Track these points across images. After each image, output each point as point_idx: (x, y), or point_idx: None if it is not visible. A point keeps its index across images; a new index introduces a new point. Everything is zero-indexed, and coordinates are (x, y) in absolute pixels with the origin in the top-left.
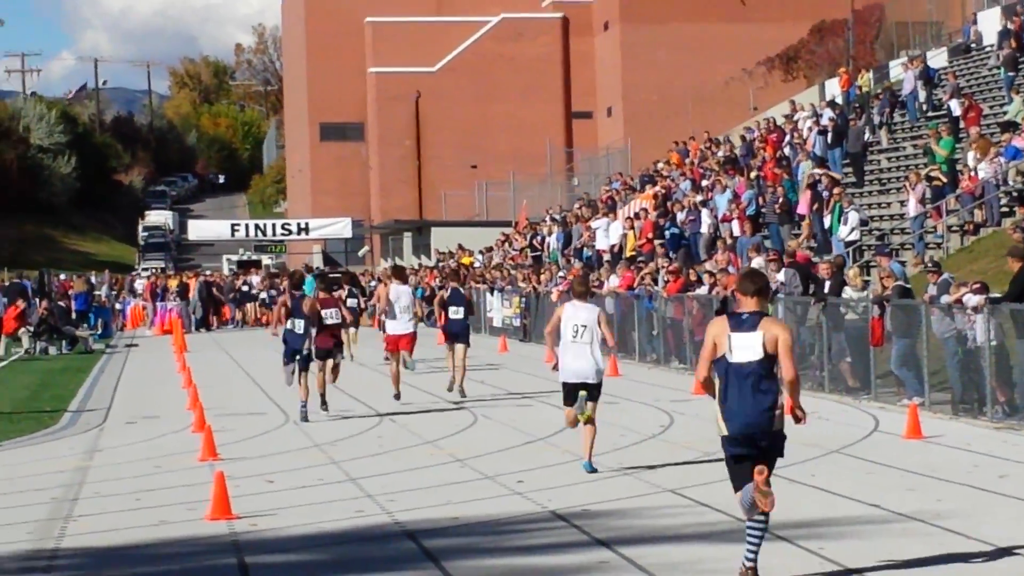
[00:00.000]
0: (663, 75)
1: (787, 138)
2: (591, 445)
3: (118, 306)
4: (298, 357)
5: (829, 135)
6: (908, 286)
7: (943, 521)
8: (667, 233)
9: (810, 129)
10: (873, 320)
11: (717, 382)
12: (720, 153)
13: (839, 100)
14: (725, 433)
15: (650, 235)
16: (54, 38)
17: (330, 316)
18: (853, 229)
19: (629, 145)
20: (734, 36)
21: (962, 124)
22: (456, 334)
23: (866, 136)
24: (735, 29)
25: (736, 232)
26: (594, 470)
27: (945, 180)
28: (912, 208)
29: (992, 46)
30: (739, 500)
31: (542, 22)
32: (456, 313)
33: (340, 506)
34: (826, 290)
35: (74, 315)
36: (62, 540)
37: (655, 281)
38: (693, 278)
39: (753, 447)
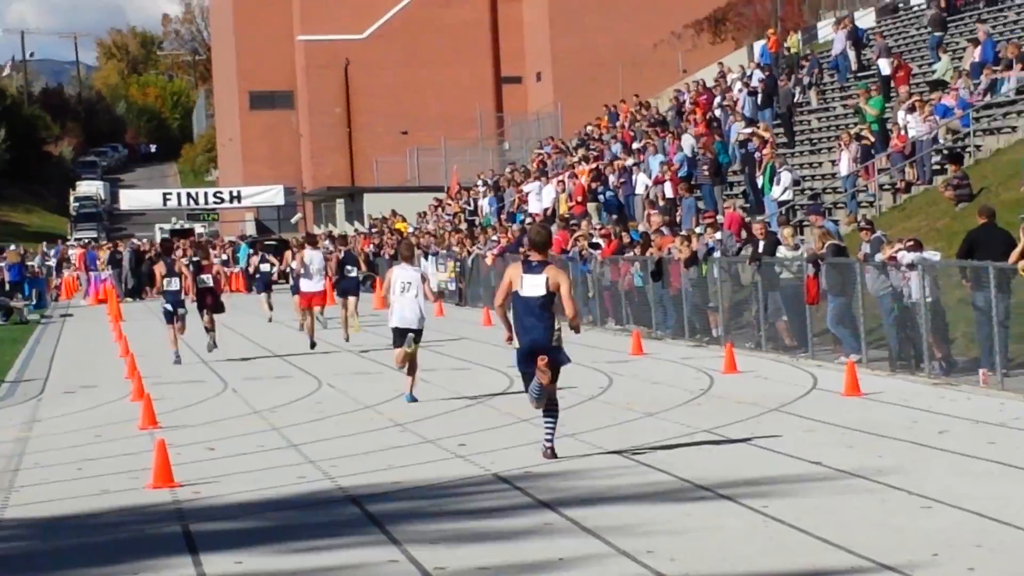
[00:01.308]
0: (592, 39)
1: (717, 100)
2: (413, 381)
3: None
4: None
5: (759, 96)
6: (843, 244)
7: (884, 477)
8: (601, 198)
9: (740, 91)
10: (808, 278)
11: (511, 311)
12: (650, 116)
13: (768, 61)
14: (517, 347)
15: (580, 198)
16: None
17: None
18: (786, 189)
19: (560, 109)
20: None
21: (892, 84)
22: (346, 289)
23: (796, 97)
24: None
25: (668, 193)
26: (414, 400)
27: (874, 139)
28: (844, 167)
29: (920, 6)
30: (529, 394)
31: None
32: (349, 272)
33: (282, 472)
34: (760, 250)
35: (8, 286)
36: (4, 511)
37: (591, 245)
38: (627, 240)
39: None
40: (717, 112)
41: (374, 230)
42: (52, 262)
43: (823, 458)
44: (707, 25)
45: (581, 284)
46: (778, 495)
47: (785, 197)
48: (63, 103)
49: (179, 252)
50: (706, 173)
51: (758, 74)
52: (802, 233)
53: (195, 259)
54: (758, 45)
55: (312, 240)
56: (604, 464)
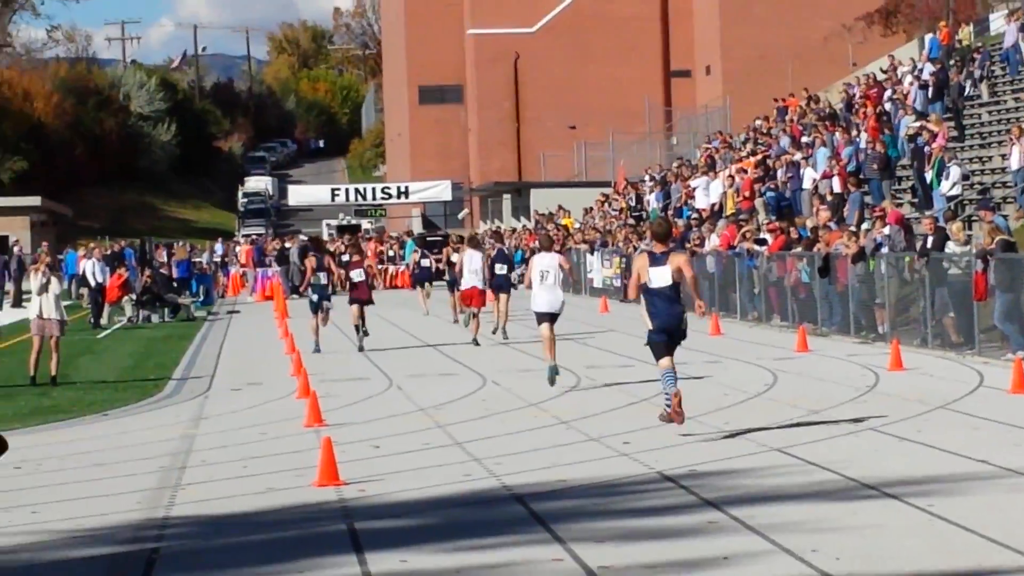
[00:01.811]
0: (762, 32)
1: (887, 93)
2: (553, 351)
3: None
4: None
5: (930, 90)
6: (1012, 240)
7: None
8: (768, 192)
9: (911, 84)
10: (976, 274)
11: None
12: (819, 110)
13: (938, 54)
14: (651, 327)
15: (747, 193)
16: (153, 5)
17: (357, 275)
18: (955, 183)
19: (728, 103)
20: None
21: None
22: (500, 286)
23: (966, 90)
24: None
25: (836, 188)
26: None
27: None
28: (1015, 161)
29: None
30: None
31: None
32: (501, 270)
33: (447, 470)
34: (928, 245)
35: (176, 283)
36: (172, 508)
37: (757, 241)
38: (795, 235)
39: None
40: (887, 105)
41: (537, 224)
42: (219, 258)
43: (990, 456)
44: (878, 17)
45: (747, 280)
46: (944, 494)
47: (954, 192)
48: (233, 98)
49: (339, 246)
50: (875, 168)
51: (929, 67)
52: (971, 228)
53: (343, 255)
54: (929, 38)
55: (473, 241)
56: (769, 462)
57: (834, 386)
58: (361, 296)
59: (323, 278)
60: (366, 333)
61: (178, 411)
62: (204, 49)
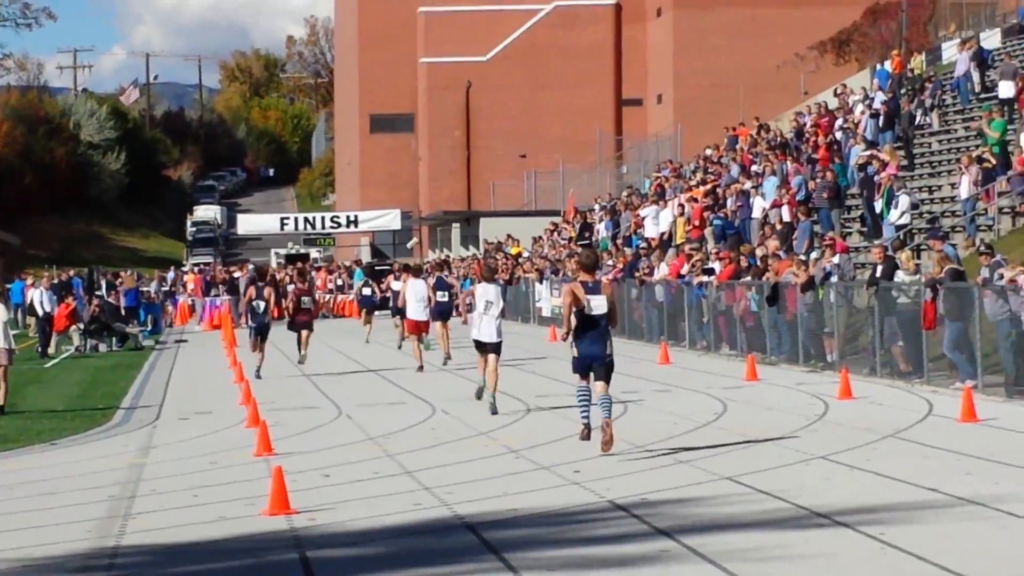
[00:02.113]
0: (715, 61)
1: (838, 122)
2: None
3: (169, 304)
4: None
5: (880, 119)
6: (961, 269)
7: (1003, 504)
8: (717, 221)
9: (862, 112)
10: (925, 303)
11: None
12: (770, 139)
13: (888, 84)
14: (576, 355)
15: (697, 222)
16: (106, 34)
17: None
18: (904, 212)
19: (679, 132)
20: (787, 20)
21: (1016, 105)
22: (441, 312)
23: (917, 119)
24: (788, 14)
25: (786, 217)
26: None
27: (995, 162)
28: (964, 190)
29: None
30: (578, 394)
31: (595, 9)
32: (442, 297)
33: (398, 499)
34: (878, 274)
35: (124, 311)
36: (122, 538)
37: (705, 270)
38: (744, 264)
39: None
40: (838, 134)
41: (486, 252)
42: (167, 287)
43: (940, 485)
44: (831, 46)
45: (695, 308)
46: (896, 522)
47: (903, 221)
48: (184, 127)
49: (284, 277)
50: (824, 196)
51: (880, 96)
52: (920, 257)
53: (289, 285)
54: (878, 68)
55: (415, 270)
56: (721, 491)
57: (783, 415)
58: (305, 320)
59: (261, 306)
60: (302, 360)
61: (127, 440)
62: (156, 77)
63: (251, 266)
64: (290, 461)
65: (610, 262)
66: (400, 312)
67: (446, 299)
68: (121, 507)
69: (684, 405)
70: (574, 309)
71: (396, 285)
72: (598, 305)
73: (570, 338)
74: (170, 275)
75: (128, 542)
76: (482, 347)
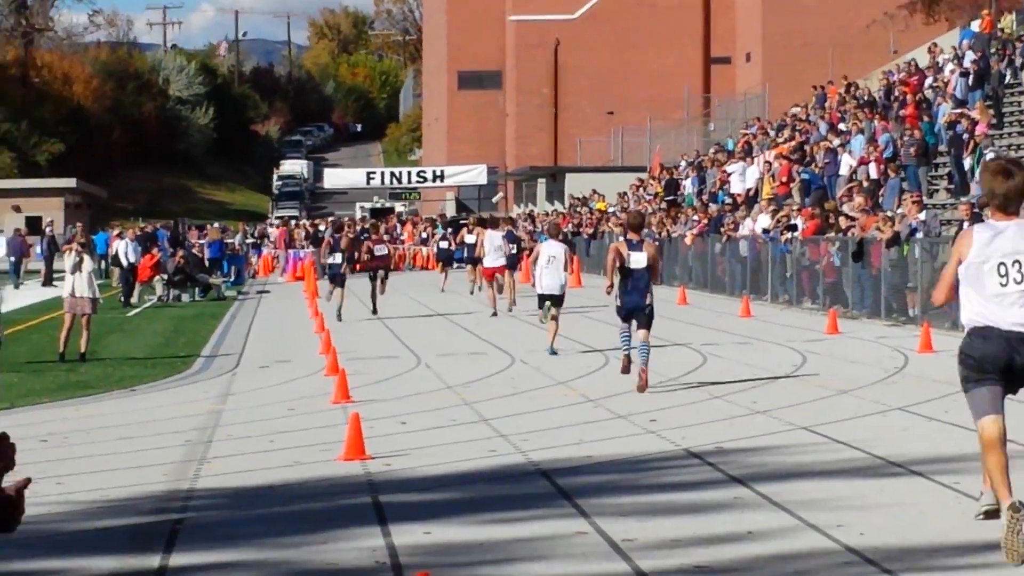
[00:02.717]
0: (804, 20)
1: (928, 81)
2: (554, 335)
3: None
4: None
5: (970, 78)
6: None
7: None
8: (801, 176)
9: (951, 72)
10: None
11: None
12: (859, 97)
13: (976, 43)
14: (619, 304)
15: (784, 179)
16: None
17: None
18: None
19: (767, 90)
20: None
21: None
22: (510, 263)
23: (1007, 78)
24: None
25: (873, 174)
26: (555, 353)
27: None
28: None
29: None
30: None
31: None
32: (511, 250)
33: (473, 446)
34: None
35: (208, 263)
36: (197, 481)
37: (789, 227)
38: (831, 221)
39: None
40: (928, 93)
41: (574, 209)
42: (236, 239)
43: (1016, 436)
44: (921, 5)
45: (779, 264)
46: (970, 472)
47: None
48: (273, 83)
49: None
50: (912, 154)
51: (970, 55)
52: None
53: (363, 235)
54: (972, 25)
55: (493, 222)
56: (796, 440)
57: (863, 367)
58: (379, 264)
59: (338, 257)
60: (375, 311)
61: (206, 387)
62: (245, 34)
63: (332, 219)
64: (368, 409)
65: (695, 217)
66: (474, 261)
67: (515, 250)
68: (197, 451)
69: (764, 357)
70: (617, 264)
71: (469, 239)
72: (638, 260)
73: (614, 290)
74: (272, 230)
75: (203, 485)
76: (545, 300)
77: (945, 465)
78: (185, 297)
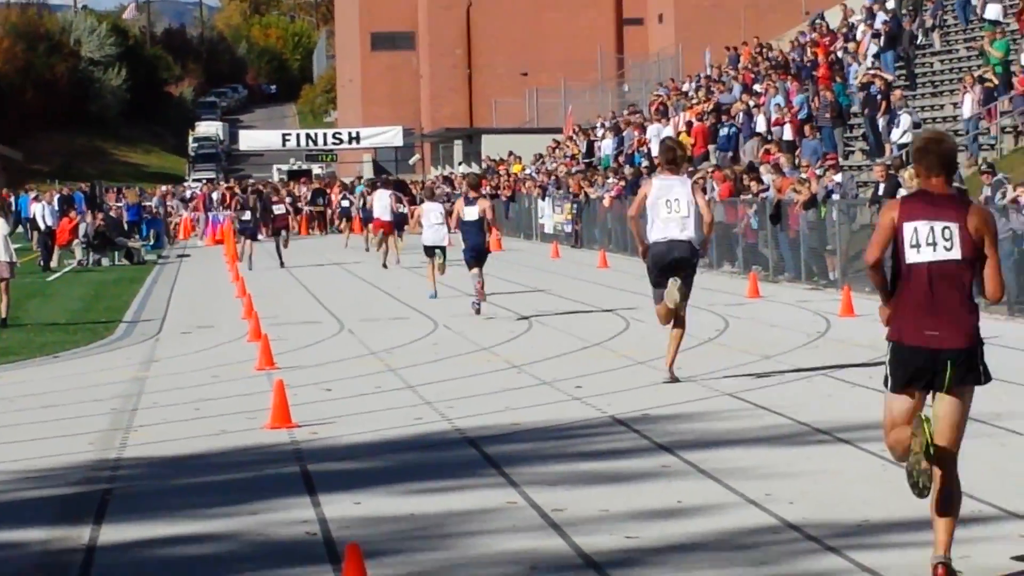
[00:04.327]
0: None
1: (839, 42)
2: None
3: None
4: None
5: (882, 38)
6: (964, 188)
7: (1003, 421)
8: (720, 133)
9: (863, 33)
10: None
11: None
12: (771, 58)
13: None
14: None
15: (699, 140)
16: None
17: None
18: (905, 131)
19: (680, 51)
20: None
21: (1015, 26)
22: (397, 221)
23: (918, 39)
24: None
25: (788, 136)
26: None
27: (997, 82)
28: (967, 110)
29: None
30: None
31: None
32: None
33: (399, 414)
34: (880, 192)
35: (126, 226)
36: (124, 450)
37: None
38: (747, 183)
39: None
40: (840, 54)
41: (490, 171)
42: (154, 201)
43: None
44: None
45: None
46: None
47: (905, 140)
48: (185, 44)
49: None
50: (827, 116)
51: (882, 15)
52: None
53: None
54: None
55: (386, 184)
56: (721, 407)
57: (785, 332)
58: (280, 224)
59: (247, 215)
60: (281, 264)
61: (129, 353)
62: None
63: (250, 182)
64: (292, 375)
65: (611, 179)
66: (369, 217)
67: (402, 209)
68: (123, 420)
69: (687, 322)
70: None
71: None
72: (470, 213)
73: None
74: (188, 192)
75: (130, 454)
76: (430, 251)
77: (871, 432)
78: (105, 261)
